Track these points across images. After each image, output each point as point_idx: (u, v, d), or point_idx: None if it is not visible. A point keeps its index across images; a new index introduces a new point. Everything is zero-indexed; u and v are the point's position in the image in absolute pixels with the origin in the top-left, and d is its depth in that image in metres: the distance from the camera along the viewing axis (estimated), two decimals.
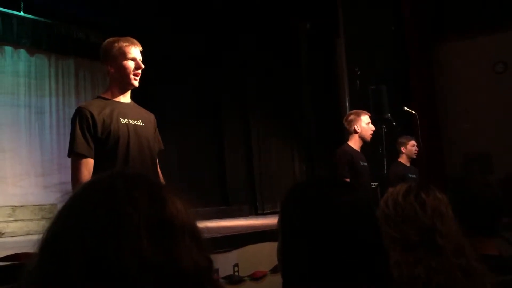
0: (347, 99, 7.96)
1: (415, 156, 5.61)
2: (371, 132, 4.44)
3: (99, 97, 2.74)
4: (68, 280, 0.65)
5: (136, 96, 2.83)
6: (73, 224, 0.69)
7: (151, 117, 2.84)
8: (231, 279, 3.60)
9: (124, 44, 2.66)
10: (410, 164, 5.65)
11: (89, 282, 0.65)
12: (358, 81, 7.16)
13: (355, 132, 4.40)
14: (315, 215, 1.03)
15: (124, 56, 2.64)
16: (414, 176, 5.43)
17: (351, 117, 4.47)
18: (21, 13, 6.16)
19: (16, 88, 6.25)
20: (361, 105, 5.44)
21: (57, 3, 6.39)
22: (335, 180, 1.18)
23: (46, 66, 6.57)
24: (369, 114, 4.54)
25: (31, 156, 6.27)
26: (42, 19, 6.38)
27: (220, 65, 8.31)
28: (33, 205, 5.90)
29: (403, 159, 5.59)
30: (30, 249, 0.73)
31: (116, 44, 2.66)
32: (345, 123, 4.51)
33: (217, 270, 3.51)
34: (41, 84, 6.49)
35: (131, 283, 0.65)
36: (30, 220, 5.80)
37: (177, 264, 0.68)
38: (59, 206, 0.74)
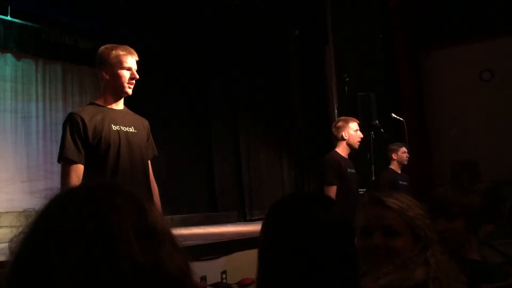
0: (335, 105, 7.98)
1: (406, 163, 5.59)
2: (359, 139, 4.42)
3: (92, 103, 2.72)
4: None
5: (125, 102, 2.81)
6: (57, 233, 0.68)
7: (144, 123, 2.81)
8: (219, 286, 3.58)
9: (122, 53, 2.63)
10: (401, 171, 5.65)
11: None
12: (346, 87, 7.18)
13: (343, 139, 4.38)
14: (291, 231, 1.10)
15: (120, 64, 2.62)
16: (405, 183, 5.42)
17: (339, 124, 4.46)
18: (8, 18, 6.11)
19: (2, 92, 6.19)
20: (349, 112, 5.44)
21: (45, 8, 6.35)
22: (315, 197, 1.25)
23: (33, 70, 6.52)
24: (358, 121, 4.52)
25: (17, 162, 6.21)
26: (30, 24, 6.33)
27: (210, 72, 8.31)
28: (19, 211, 5.82)
29: (394, 166, 5.57)
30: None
31: (113, 52, 2.63)
32: (333, 130, 4.50)
33: (205, 277, 3.49)
34: (28, 88, 6.44)
35: None
36: (15, 226, 5.72)
37: (164, 268, 0.70)
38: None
